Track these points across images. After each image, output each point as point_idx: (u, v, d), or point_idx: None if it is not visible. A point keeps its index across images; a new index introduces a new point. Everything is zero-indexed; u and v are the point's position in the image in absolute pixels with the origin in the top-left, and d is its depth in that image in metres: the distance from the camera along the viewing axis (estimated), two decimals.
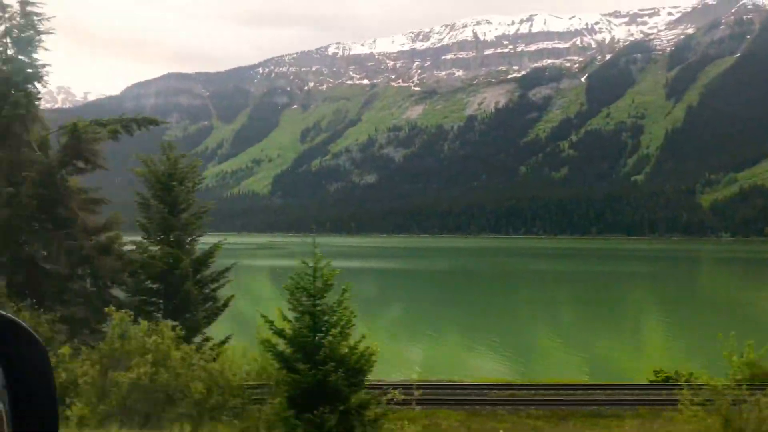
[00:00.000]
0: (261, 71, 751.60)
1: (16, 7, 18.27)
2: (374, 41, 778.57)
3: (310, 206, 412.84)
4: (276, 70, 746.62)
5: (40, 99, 20.25)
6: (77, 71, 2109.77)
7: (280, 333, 12.09)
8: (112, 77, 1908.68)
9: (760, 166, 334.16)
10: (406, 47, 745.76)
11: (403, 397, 13.82)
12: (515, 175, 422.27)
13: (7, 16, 18.27)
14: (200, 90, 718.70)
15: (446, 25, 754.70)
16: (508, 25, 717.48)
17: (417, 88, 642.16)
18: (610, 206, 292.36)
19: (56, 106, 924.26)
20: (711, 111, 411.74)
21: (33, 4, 18.32)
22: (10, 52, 18.84)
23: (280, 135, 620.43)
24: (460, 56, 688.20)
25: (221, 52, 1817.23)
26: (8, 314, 1.98)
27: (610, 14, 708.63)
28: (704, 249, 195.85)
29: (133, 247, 20.33)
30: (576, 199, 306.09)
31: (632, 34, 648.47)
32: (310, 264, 12.01)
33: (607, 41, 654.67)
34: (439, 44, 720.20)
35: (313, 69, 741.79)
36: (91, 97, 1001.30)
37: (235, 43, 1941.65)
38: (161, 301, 20.33)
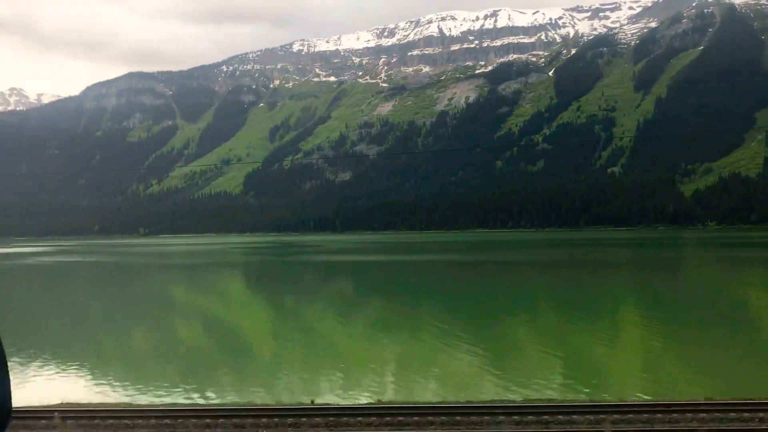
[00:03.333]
0: (225, 69, 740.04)
1: None
2: (339, 38, 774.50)
3: (287, 205, 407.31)
4: (240, 68, 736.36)
5: None
6: (29, 72, 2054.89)
7: None
8: (66, 78, 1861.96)
9: (733, 156, 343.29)
10: (372, 43, 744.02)
11: None
12: (492, 170, 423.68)
13: None
14: (163, 89, 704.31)
15: (411, 21, 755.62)
16: (473, 20, 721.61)
17: (385, 85, 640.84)
18: (595, 198, 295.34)
19: (9, 108, 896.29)
20: (680, 102, 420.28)
21: None
22: None
23: (248, 134, 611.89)
24: (427, 52, 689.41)
25: (180, 51, 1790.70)
26: None
27: (572, 9, 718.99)
28: (703, 237, 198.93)
29: None
30: (562, 192, 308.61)
31: (596, 29, 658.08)
32: None
33: (571, 35, 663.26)
34: (405, 40, 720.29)
35: (279, 66, 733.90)
36: (45, 99, 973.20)
37: (193, 42, 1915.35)
38: None
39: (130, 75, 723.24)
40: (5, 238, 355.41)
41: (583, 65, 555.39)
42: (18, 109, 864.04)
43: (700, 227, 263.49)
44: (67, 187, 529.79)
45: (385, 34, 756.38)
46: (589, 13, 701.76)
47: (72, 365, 33.25)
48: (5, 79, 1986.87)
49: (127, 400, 24.53)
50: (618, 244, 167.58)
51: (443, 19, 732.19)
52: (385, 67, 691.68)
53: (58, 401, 22.44)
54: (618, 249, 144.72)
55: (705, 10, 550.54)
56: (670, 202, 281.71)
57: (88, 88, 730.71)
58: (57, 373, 31.46)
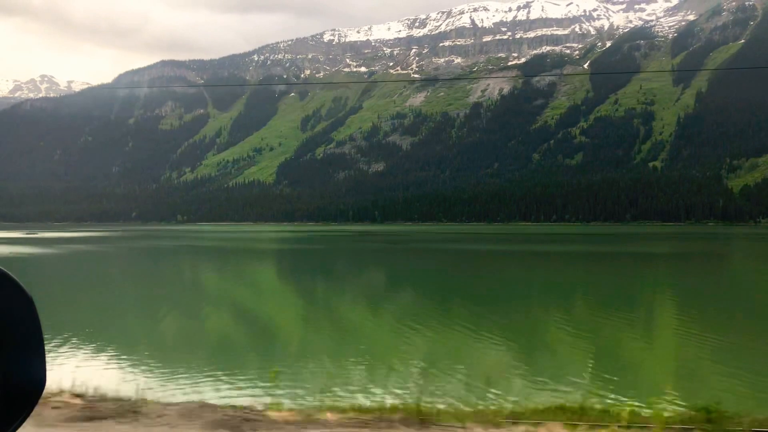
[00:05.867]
0: (256, 58, 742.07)
1: None
2: (370, 28, 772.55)
3: (322, 195, 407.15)
4: (271, 57, 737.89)
5: None
6: (58, 59, 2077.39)
7: None
8: (95, 65, 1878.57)
9: None
10: (403, 34, 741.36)
11: None
12: (528, 162, 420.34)
13: None
14: (194, 78, 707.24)
15: (443, 12, 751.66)
16: (506, 11, 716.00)
17: (416, 76, 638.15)
18: (641, 192, 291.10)
19: (40, 95, 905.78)
20: (721, 97, 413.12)
21: None
22: None
23: (279, 123, 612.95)
24: (458, 43, 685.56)
25: (206, 40, 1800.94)
26: None
27: (606, 1, 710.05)
28: (758, 233, 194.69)
29: None
30: (606, 186, 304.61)
31: (631, 21, 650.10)
32: None
33: (606, 28, 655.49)
34: (436, 31, 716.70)
35: (309, 56, 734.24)
36: (75, 86, 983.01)
37: (219, 31, 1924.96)
38: None
39: (162, 63, 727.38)
40: (45, 224, 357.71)
41: (619, 58, 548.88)
42: (49, 95, 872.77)
43: (752, 223, 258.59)
44: (101, 174, 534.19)
45: (416, 24, 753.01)
46: (624, 5, 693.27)
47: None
48: (36, 66, 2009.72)
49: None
50: (683, 237, 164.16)
51: (475, 9, 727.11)
52: (416, 58, 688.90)
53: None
54: (693, 242, 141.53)
55: (746, 3, 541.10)
56: (719, 197, 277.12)
57: (120, 76, 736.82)
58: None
